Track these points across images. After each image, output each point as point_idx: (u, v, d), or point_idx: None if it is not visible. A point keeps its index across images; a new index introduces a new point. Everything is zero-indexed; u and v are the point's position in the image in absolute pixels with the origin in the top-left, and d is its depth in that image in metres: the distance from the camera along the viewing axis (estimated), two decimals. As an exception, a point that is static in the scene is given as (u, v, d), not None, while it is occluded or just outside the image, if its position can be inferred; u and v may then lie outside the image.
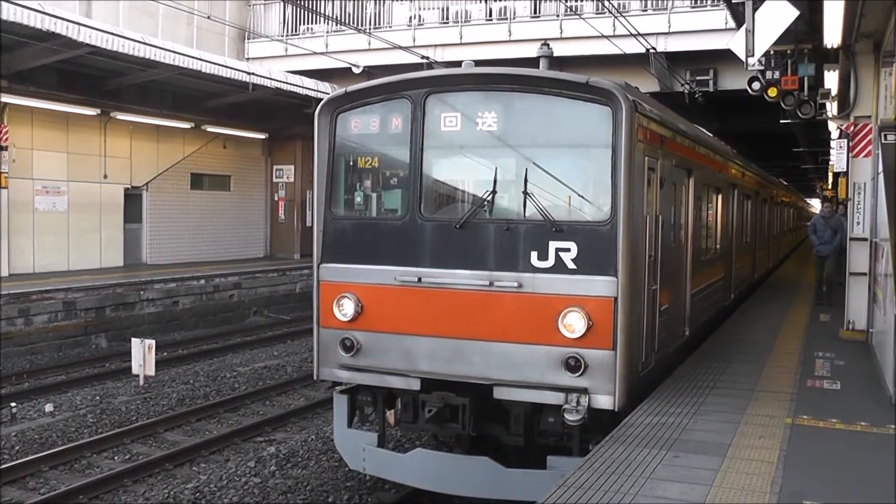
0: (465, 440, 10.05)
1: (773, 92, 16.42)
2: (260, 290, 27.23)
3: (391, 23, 29.75)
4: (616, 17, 20.25)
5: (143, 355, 16.02)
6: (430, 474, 9.62)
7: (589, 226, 8.86)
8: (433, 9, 29.24)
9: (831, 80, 16.08)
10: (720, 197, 15.28)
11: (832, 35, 13.05)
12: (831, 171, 30.84)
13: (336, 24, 28.51)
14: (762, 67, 16.43)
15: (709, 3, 25.01)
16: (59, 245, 25.02)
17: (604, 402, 8.65)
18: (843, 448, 7.92)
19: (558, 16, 26.36)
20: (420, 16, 29.21)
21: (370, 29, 28.09)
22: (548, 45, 10.55)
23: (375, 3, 30.02)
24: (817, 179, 55.29)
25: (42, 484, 11.51)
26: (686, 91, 24.95)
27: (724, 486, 6.63)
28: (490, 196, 9.16)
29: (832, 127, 19.19)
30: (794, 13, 12.78)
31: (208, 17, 22.70)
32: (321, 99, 10.43)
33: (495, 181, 9.16)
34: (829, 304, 18.35)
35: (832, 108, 17.01)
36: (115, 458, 12.67)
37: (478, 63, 10.15)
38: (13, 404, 14.54)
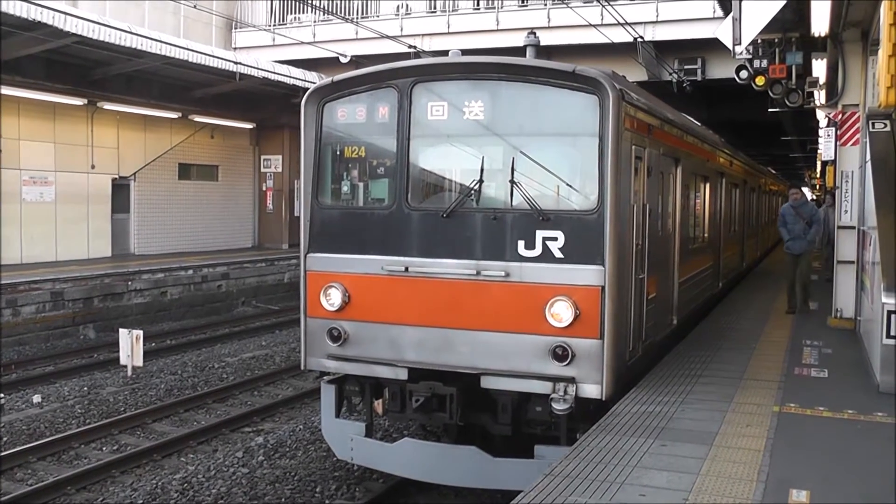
0: (453, 430, 10.06)
1: (760, 80, 16.40)
2: (248, 280, 27.17)
3: (378, 12, 29.71)
4: (604, 5, 20.20)
5: (130, 346, 16.00)
6: (418, 464, 9.62)
7: (576, 215, 8.86)
8: (421, -3, 29.24)
9: (819, 68, 16.07)
10: (708, 186, 15.29)
11: (820, 23, 13.05)
12: (819, 160, 30.89)
13: (323, 14, 28.42)
14: (750, 56, 16.43)
15: (696, -9, 24.99)
16: (46, 235, 24.92)
17: (591, 391, 8.67)
18: (829, 436, 7.94)
19: (546, 4, 26.34)
20: (407, 5, 29.15)
21: (357, 18, 28.00)
22: (535, 33, 10.52)
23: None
24: (806, 168, 55.42)
25: (30, 475, 11.47)
26: (674, 80, 24.97)
27: (710, 474, 6.65)
28: (477, 185, 9.15)
29: (820, 115, 19.20)
30: (780, 1, 12.77)
31: (195, 7, 22.56)
32: (308, 88, 10.38)
33: (482, 170, 9.16)
34: (803, 310, 15.80)
35: (820, 96, 17.02)
36: (103, 448, 12.64)
37: (465, 52, 10.14)
38: (1, 395, 14.49)
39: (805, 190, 22.76)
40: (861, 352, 11.98)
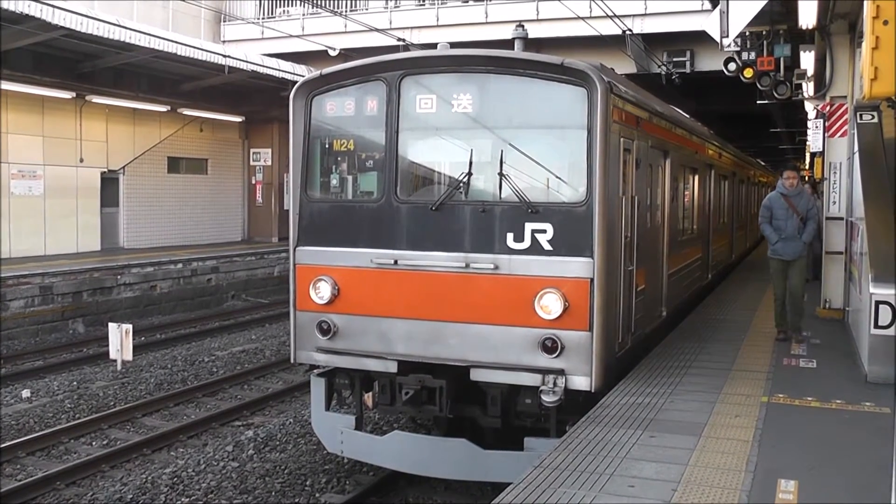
0: (443, 422, 10.08)
1: (749, 73, 16.44)
2: (238, 273, 27.14)
3: (367, 5, 29.66)
4: (593, -2, 20.23)
5: (120, 340, 15.96)
6: (408, 457, 9.63)
7: (565, 207, 8.86)
8: (410, -10, 29.19)
9: (807, 60, 16.12)
10: (697, 177, 15.32)
11: (807, 16, 13.08)
12: (808, 151, 30.96)
13: (312, 7, 28.36)
14: (738, 48, 16.46)
15: (685, -16, 24.99)
16: (35, 229, 24.80)
17: (580, 383, 8.68)
18: (818, 426, 7.97)
19: (535, -3, 26.32)
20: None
21: (346, 11, 27.96)
22: (523, 26, 10.50)
23: (352, -14, 29.94)
24: (795, 159, 55.53)
25: (19, 470, 11.45)
26: (663, 72, 24.96)
27: (699, 465, 6.68)
28: (466, 178, 9.14)
29: (808, 107, 19.25)
30: (768, -6, 12.81)
31: (184, 0, 22.50)
32: (297, 82, 10.36)
33: (471, 163, 9.15)
34: (800, 337, 12.15)
35: (808, 88, 17.06)
36: (93, 443, 12.62)
37: (454, 45, 10.16)
38: (-11, 390, 14.48)
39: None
40: (849, 342, 12.03)
